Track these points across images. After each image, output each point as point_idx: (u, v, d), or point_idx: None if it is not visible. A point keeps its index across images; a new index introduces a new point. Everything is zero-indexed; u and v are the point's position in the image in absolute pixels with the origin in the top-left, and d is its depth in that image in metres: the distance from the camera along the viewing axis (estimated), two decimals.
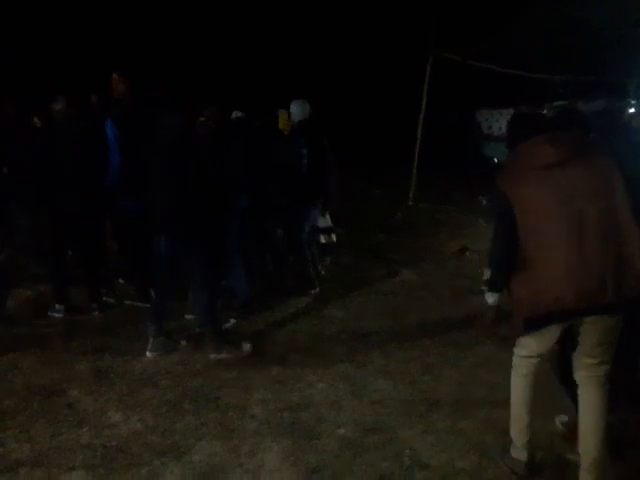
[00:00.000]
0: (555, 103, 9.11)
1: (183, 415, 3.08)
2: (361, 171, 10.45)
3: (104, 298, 4.62)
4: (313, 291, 4.98)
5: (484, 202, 7.73)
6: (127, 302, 4.67)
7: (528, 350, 2.51)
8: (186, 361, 3.72)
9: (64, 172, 4.18)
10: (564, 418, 2.85)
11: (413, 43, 9.59)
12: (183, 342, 3.96)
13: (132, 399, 3.24)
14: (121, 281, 5.02)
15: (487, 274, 2.51)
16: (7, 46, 8.01)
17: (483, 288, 2.52)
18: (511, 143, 2.56)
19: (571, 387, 2.58)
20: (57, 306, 4.41)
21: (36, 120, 4.64)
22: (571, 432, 2.64)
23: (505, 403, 2.65)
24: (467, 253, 6.08)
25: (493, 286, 2.50)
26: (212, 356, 3.75)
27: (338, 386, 3.39)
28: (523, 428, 2.59)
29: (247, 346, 3.86)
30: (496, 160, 11.63)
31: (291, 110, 5.05)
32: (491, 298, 2.50)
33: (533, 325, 2.38)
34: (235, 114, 5.15)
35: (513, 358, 2.59)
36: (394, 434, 2.91)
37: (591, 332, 2.36)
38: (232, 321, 4.31)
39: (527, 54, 8.30)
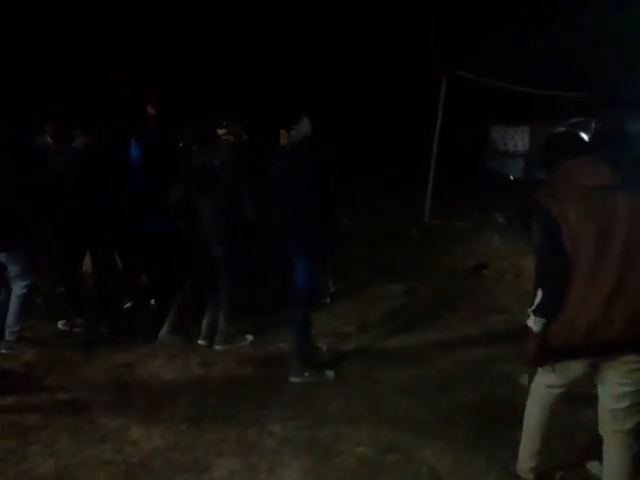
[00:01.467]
0: (571, 120, 9.11)
1: (203, 432, 3.13)
2: (376, 184, 10.48)
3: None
4: (323, 301, 5.03)
5: (500, 220, 7.72)
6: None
7: (551, 379, 2.43)
8: (205, 379, 3.77)
9: (75, 190, 4.21)
10: (597, 467, 2.64)
11: (429, 60, 9.67)
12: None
13: (153, 416, 3.29)
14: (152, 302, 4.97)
15: (538, 297, 2.28)
16: (7, 46, 8.09)
17: (530, 312, 2.32)
18: (551, 161, 2.47)
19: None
20: (77, 320, 4.49)
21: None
22: None
23: (522, 422, 2.66)
24: (484, 271, 6.07)
25: (544, 312, 2.27)
26: (292, 379, 3.71)
27: (356, 404, 3.41)
28: (534, 453, 2.56)
29: (331, 373, 3.80)
30: (512, 177, 11.61)
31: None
32: (537, 325, 2.28)
33: (561, 355, 2.30)
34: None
35: (532, 385, 2.56)
36: (412, 453, 2.92)
37: (615, 370, 2.26)
38: (249, 337, 4.36)
39: (540, 71, 8.34)
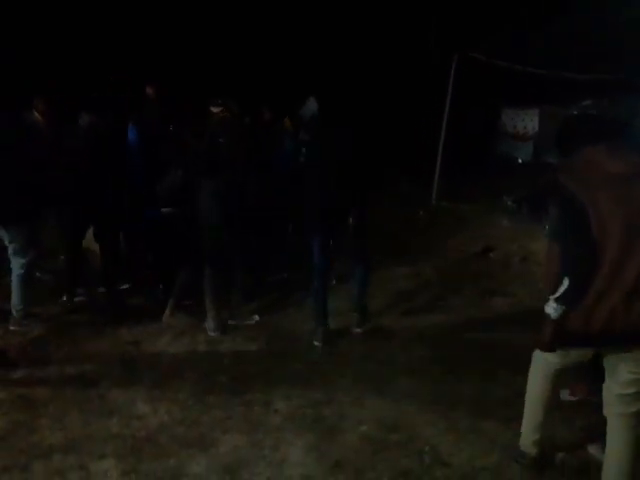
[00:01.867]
0: (583, 103, 8.98)
1: (209, 408, 3.17)
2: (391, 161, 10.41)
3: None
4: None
5: (509, 203, 7.68)
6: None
7: (555, 358, 2.46)
8: (211, 357, 3.81)
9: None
10: (598, 449, 2.69)
11: (440, 41, 9.58)
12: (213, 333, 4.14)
13: (160, 391, 3.33)
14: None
15: (565, 285, 2.18)
16: (7, 46, 8.07)
17: (550, 297, 2.25)
18: (568, 145, 2.41)
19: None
20: (79, 290, 4.58)
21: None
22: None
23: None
24: (491, 254, 6.06)
25: (567, 300, 2.20)
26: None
27: (360, 383, 3.44)
28: (536, 426, 2.61)
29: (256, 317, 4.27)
30: (521, 160, 11.51)
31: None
32: (557, 312, 2.21)
33: (576, 342, 2.30)
34: None
35: (536, 355, 2.58)
36: (415, 432, 2.96)
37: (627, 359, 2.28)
38: (256, 317, 4.39)
39: (552, 53, 8.21)
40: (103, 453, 2.77)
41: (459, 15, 10.84)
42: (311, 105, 5.06)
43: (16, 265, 4.03)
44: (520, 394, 2.77)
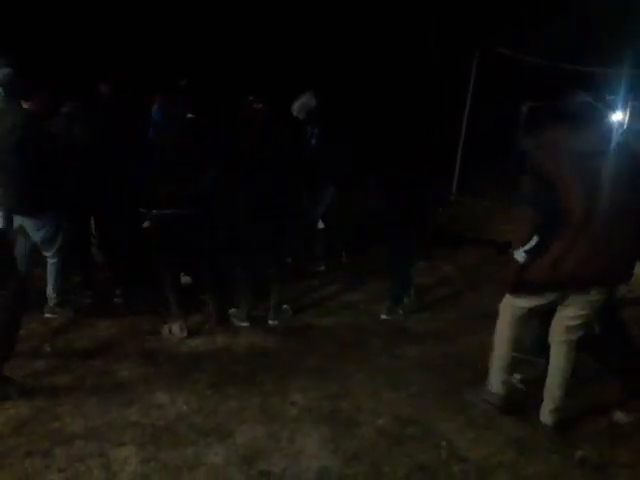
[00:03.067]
0: (608, 97, 8.83)
1: (227, 399, 3.20)
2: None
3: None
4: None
5: None
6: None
7: (525, 303, 2.92)
8: (230, 348, 3.84)
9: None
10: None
11: (461, 35, 9.47)
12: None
13: (178, 381, 3.37)
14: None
15: (534, 242, 2.72)
16: (7, 46, 8.17)
17: (520, 248, 2.76)
18: (531, 131, 3.02)
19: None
20: (117, 291, 4.58)
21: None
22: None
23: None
24: (510, 250, 5.98)
25: (533, 251, 2.72)
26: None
27: (376, 378, 3.44)
28: (504, 366, 3.04)
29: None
30: None
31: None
32: (524, 259, 2.75)
33: (541, 287, 2.80)
34: None
35: (505, 303, 3.01)
36: (432, 427, 2.95)
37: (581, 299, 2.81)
38: (289, 312, 4.39)
39: (576, 46, 8.09)
40: (122, 441, 2.81)
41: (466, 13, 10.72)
42: (307, 100, 5.04)
43: (47, 255, 4.07)
44: (539, 391, 2.76)
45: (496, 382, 3.05)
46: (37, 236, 3.99)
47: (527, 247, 2.73)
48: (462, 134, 8.77)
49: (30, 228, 3.97)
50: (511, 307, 2.98)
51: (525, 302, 2.92)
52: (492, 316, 4.36)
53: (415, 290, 4.61)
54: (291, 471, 2.63)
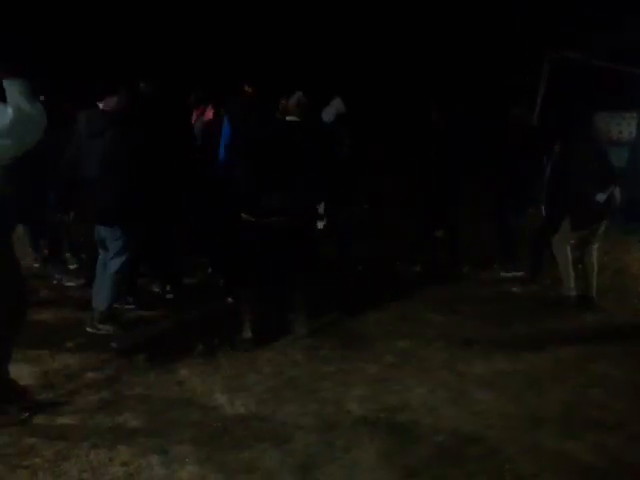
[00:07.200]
0: None
1: (283, 404, 3.19)
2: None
3: None
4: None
5: None
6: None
7: (573, 238, 4.71)
8: (287, 353, 3.84)
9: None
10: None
11: (531, 41, 9.17)
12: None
13: (237, 383, 3.40)
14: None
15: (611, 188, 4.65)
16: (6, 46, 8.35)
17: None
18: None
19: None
20: (167, 287, 4.75)
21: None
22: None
23: (618, 427, 2.48)
24: (579, 265, 5.70)
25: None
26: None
27: (437, 392, 3.34)
28: (571, 278, 4.76)
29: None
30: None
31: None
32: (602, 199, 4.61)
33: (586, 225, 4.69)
34: None
35: (562, 241, 4.74)
36: (495, 447, 2.82)
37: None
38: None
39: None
40: (182, 439, 2.84)
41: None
42: (338, 105, 5.07)
43: (115, 264, 3.93)
44: (612, 416, 2.59)
45: (569, 288, 4.77)
46: (113, 246, 3.96)
47: (607, 192, 4.52)
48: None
49: (109, 238, 3.96)
50: (566, 238, 4.73)
51: (577, 233, 4.70)
52: (562, 332, 4.20)
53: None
54: None
